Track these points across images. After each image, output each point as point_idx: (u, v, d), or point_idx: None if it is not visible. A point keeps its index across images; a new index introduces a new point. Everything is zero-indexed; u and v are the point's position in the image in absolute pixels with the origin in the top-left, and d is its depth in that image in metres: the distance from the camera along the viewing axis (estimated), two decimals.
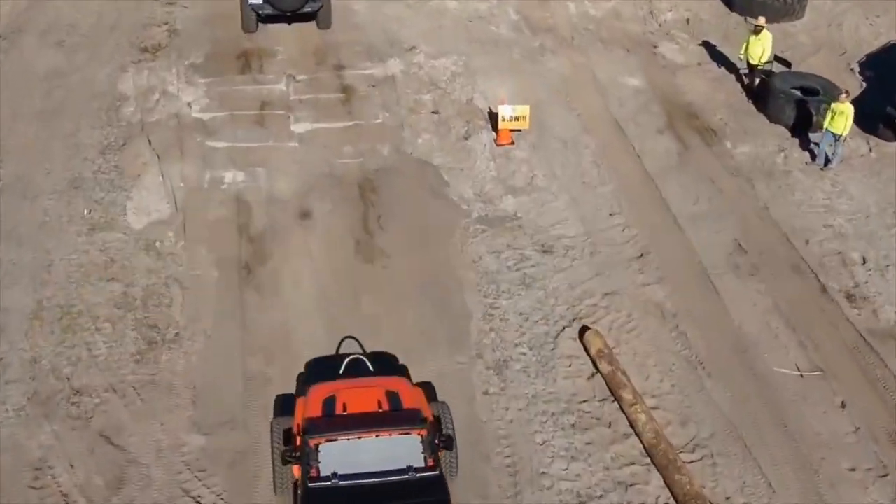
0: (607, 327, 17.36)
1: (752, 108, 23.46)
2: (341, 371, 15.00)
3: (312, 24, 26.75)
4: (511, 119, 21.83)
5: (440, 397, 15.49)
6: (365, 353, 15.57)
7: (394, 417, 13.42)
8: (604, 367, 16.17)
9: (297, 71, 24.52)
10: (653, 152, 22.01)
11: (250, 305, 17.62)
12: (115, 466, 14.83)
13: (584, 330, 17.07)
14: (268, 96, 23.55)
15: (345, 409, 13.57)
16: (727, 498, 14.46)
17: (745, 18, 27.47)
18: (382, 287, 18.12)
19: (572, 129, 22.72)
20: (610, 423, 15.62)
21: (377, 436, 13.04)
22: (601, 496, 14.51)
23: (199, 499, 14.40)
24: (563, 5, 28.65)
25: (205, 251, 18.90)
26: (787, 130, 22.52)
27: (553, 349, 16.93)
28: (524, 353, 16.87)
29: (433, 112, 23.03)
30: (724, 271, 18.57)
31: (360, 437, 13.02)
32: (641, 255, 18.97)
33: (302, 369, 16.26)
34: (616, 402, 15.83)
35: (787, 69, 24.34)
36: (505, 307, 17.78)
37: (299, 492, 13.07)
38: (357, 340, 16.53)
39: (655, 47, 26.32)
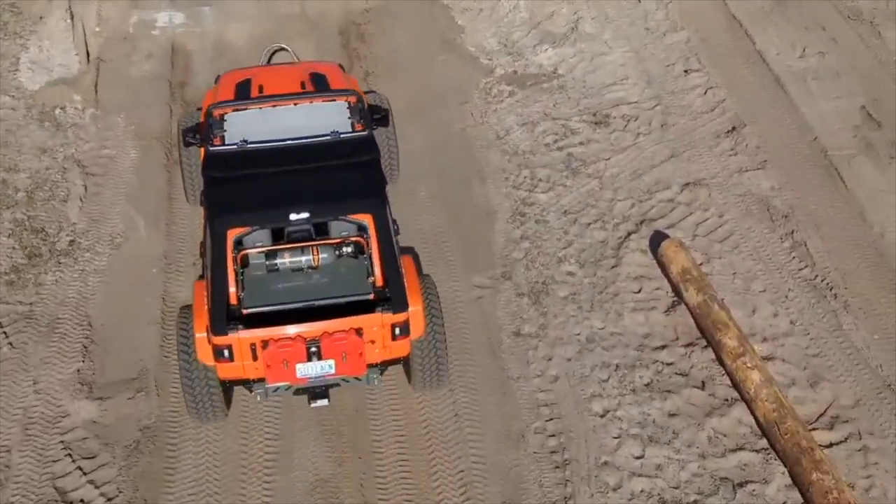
0: (690, 233, 12.06)
1: None
2: (261, 61, 13.17)
3: None
4: None
5: (453, 338, 10.40)
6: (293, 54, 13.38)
7: (317, 87, 11.32)
8: (692, 295, 10.91)
9: None
10: None
11: (179, 200, 12.30)
12: None
13: (658, 238, 11.76)
14: None
15: (261, 92, 11.20)
16: None
17: None
18: None
19: None
20: (703, 383, 10.45)
21: (296, 104, 10.74)
22: (696, 502, 9.39)
23: None
24: None
25: (122, 122, 13.55)
26: None
27: (614, 266, 11.66)
28: (572, 273, 11.61)
29: None
30: (853, 152, 13.11)
31: (274, 106, 10.71)
32: (734, 127, 13.50)
33: None
34: (711, 349, 10.62)
35: None
36: (544, 203, 12.47)
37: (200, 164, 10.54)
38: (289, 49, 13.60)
39: None
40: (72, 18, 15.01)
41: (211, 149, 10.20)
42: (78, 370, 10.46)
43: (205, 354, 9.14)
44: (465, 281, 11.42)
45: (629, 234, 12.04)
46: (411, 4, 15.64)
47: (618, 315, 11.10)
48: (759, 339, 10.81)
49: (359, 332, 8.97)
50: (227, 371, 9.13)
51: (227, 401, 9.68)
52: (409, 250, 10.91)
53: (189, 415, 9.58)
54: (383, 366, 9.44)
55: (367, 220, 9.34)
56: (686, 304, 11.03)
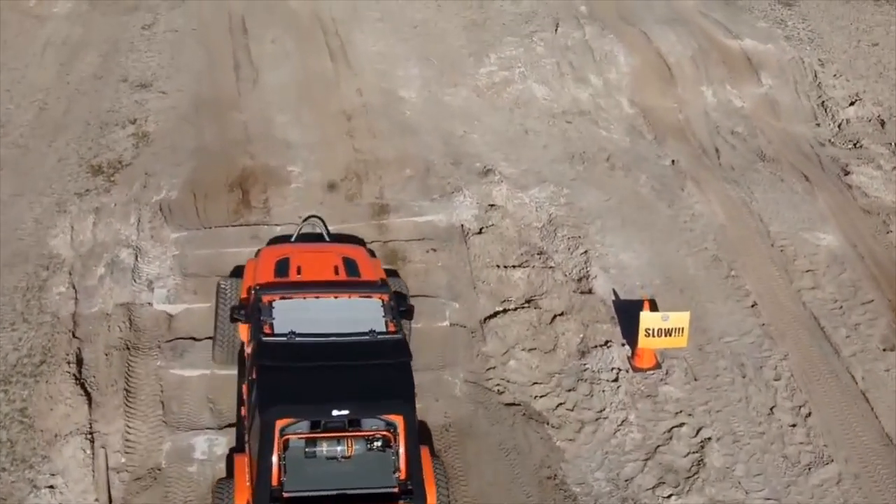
0: None
1: None
2: (294, 238, 14.24)
3: (340, 123, 18.68)
4: (660, 334, 13.47)
5: None
6: (324, 224, 14.45)
7: (354, 281, 12.50)
8: None
9: (319, 213, 16.16)
10: (886, 389, 13.63)
11: None
12: None
13: None
14: None
15: (299, 273, 12.56)
16: None
17: None
18: None
19: (749, 337, 14.41)
20: None
21: (336, 297, 12.03)
22: None
23: None
24: (694, 91, 20.20)
25: None
26: None
27: None
28: None
29: (526, 303, 14.68)
30: None
31: (317, 297, 11.97)
32: None
33: None
34: None
35: None
36: None
37: (249, 349, 11.79)
38: (321, 219, 14.52)
39: (846, 172, 17.78)
40: (92, 447, 12.39)
41: (263, 339, 11.33)
42: None
43: None
44: None
45: None
46: (499, 420, 13.08)
47: None
48: None
49: None
50: None
51: None
52: (424, 439, 11.76)
53: None
54: None
55: (397, 420, 10.55)
56: None
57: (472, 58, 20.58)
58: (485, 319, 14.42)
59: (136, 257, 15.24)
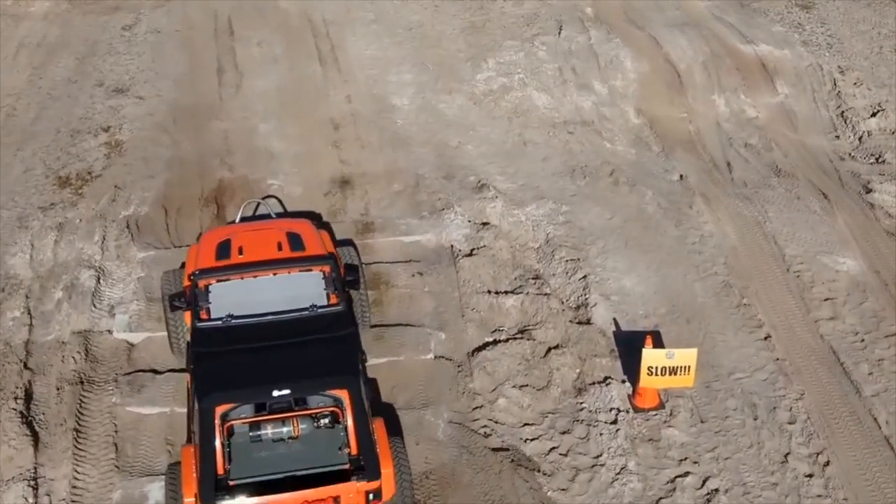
0: None
1: None
2: (237, 219, 13.57)
3: (327, 132, 17.51)
4: (664, 373, 12.25)
5: None
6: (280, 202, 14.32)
7: (296, 256, 11.88)
8: None
9: None
10: None
11: None
12: None
13: None
14: None
15: (241, 253, 11.95)
16: None
17: None
18: None
19: (761, 374, 13.19)
20: None
21: (275, 274, 11.59)
22: None
23: None
24: (705, 99, 18.95)
25: None
26: None
27: None
28: None
29: (519, 333, 13.48)
30: None
31: (255, 277, 11.53)
32: None
33: None
34: None
35: None
36: None
37: (188, 338, 11.50)
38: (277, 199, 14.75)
39: (868, 190, 16.50)
40: (35, 491, 11.24)
41: (198, 324, 11.15)
42: None
43: None
44: None
45: None
46: (486, 467, 11.84)
47: None
48: None
49: (336, 499, 9.86)
50: None
51: None
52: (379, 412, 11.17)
53: None
54: None
55: (342, 394, 10.21)
56: None
57: (470, 63, 19.41)
58: (473, 352, 13.23)
59: (99, 279, 14.13)
